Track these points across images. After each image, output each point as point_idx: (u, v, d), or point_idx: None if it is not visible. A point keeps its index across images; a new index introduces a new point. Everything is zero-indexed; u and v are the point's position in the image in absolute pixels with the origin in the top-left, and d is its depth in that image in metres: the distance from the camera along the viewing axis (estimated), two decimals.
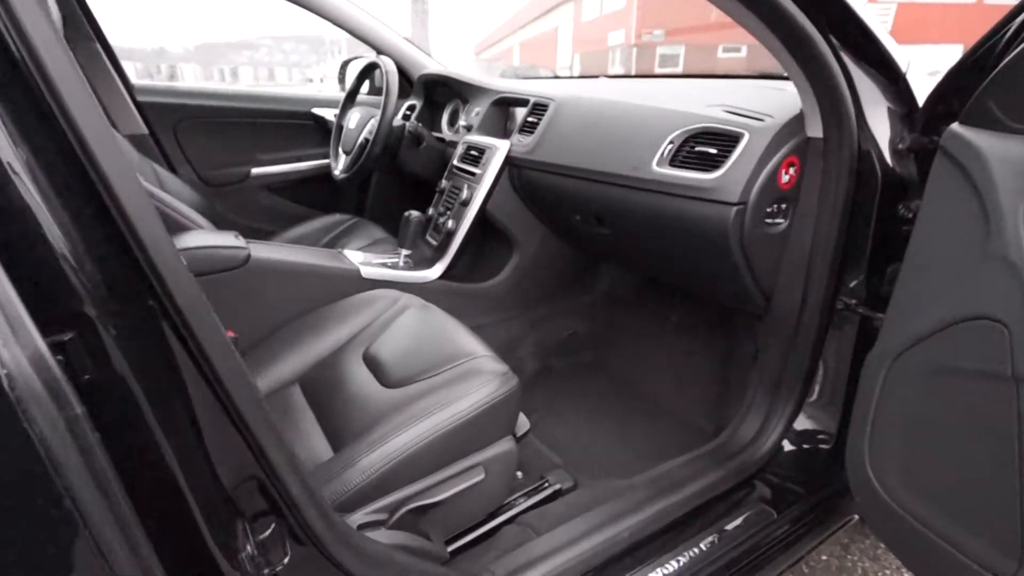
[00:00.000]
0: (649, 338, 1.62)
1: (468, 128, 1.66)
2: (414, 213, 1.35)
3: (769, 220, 1.06)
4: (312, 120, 1.99)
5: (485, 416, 0.85)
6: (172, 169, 1.75)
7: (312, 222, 1.82)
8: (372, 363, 1.00)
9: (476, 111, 1.66)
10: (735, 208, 1.01)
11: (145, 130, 1.68)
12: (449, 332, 1.04)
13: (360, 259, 1.34)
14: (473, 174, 1.43)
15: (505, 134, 1.63)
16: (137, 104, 1.65)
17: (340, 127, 1.76)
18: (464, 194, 1.40)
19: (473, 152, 1.49)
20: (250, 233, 1.94)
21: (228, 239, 1.11)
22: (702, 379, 1.47)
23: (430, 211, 1.53)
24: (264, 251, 1.15)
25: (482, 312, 1.47)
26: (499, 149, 1.40)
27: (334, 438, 0.89)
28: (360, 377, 0.97)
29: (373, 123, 1.54)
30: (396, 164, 1.72)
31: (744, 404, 1.22)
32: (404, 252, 1.38)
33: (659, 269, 1.35)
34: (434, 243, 1.45)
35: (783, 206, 1.07)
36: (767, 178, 1.01)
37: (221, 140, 1.84)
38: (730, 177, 1.01)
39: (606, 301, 1.69)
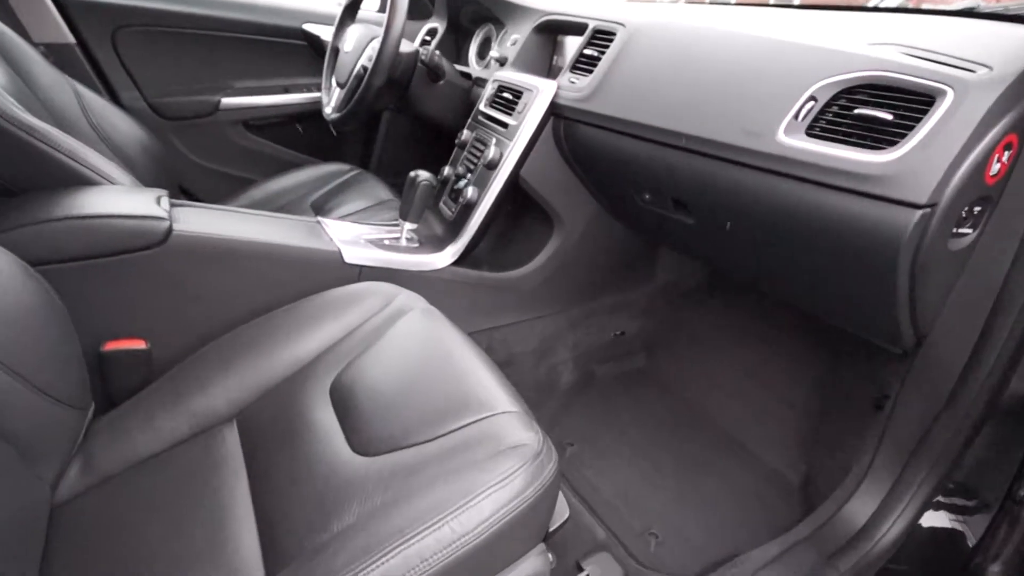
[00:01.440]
0: (718, 346, 1.28)
1: (501, 62, 1.26)
2: (422, 175, 0.99)
3: (955, 230, 0.69)
4: (305, 40, 1.59)
5: (508, 530, 0.53)
6: (111, 93, 1.38)
7: (300, 171, 1.48)
8: (342, 405, 0.68)
9: (513, 39, 1.26)
10: (920, 212, 0.64)
11: (70, 38, 1.30)
12: (459, 363, 0.71)
13: (347, 234, 1.00)
14: (505, 125, 1.06)
15: (550, 72, 1.24)
16: (58, 2, 1.27)
17: (335, 50, 1.38)
18: (491, 152, 1.03)
19: (506, 95, 1.11)
20: (220, 181, 1.61)
21: (143, 202, 0.77)
22: (786, 411, 1.14)
23: (446, 170, 1.17)
24: (198, 221, 0.81)
25: (508, 309, 1.13)
26: (541, 92, 1.02)
27: (268, 530, 0.58)
28: (322, 428, 0.66)
29: (376, 45, 1.16)
30: (407, 104, 1.34)
31: (858, 468, 0.90)
32: (408, 226, 1.04)
33: (763, 280, 0.98)
34: (449, 215, 1.10)
35: (978, 210, 0.70)
36: (975, 166, 0.63)
37: (180, 58, 1.45)
38: (917, 161, 0.64)
39: (665, 295, 1.34)
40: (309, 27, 1.57)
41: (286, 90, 1.59)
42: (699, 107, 0.81)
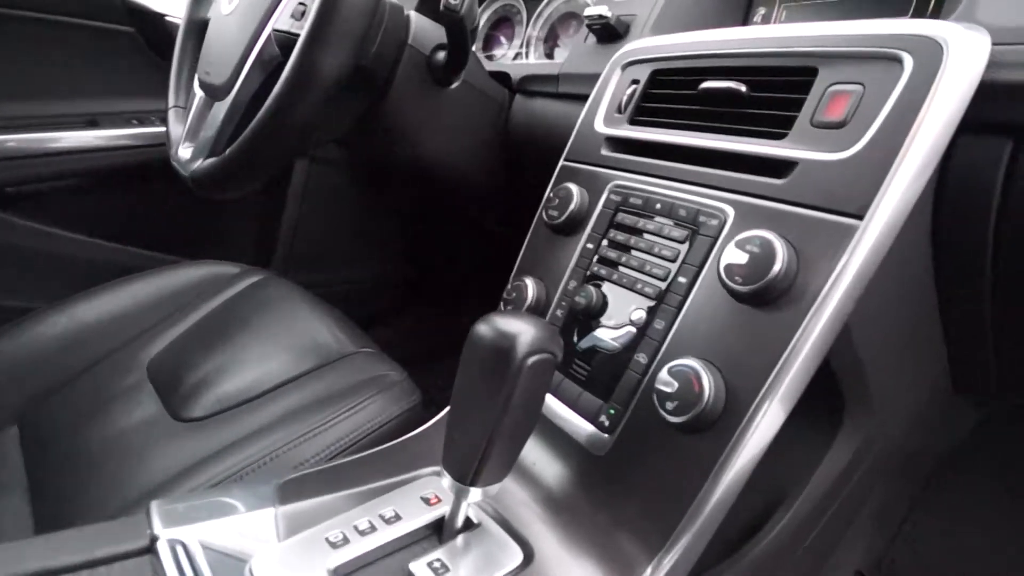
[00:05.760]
0: None
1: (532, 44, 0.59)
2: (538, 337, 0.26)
3: None
4: (129, 23, 0.81)
5: None
6: None
7: (129, 284, 0.69)
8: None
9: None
10: None
11: None
12: None
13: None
14: (777, 170, 0.36)
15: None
16: None
17: (196, 25, 0.62)
18: (774, 258, 0.32)
19: (770, 94, 0.41)
20: None
21: None
22: None
23: (530, 290, 0.44)
24: None
25: None
26: (953, 59, 0.30)
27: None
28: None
29: None
30: (373, 135, 0.61)
31: None
32: (474, 495, 0.29)
33: None
34: (601, 440, 0.36)
35: None
36: None
37: None
38: None
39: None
40: None
41: (92, 123, 0.79)
42: None
